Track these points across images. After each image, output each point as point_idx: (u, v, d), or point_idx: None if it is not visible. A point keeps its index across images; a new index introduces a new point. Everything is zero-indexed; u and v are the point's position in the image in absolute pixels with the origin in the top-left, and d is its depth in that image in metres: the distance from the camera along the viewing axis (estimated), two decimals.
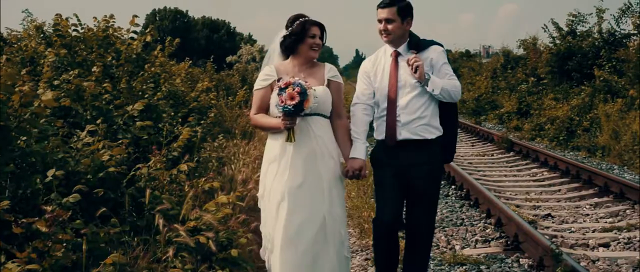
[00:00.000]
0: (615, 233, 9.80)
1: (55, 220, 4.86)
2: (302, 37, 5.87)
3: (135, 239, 5.96)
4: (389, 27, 6.07)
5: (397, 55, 6.21)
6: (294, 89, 5.46)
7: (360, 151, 6.05)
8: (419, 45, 6.21)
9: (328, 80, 6.02)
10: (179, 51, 16.91)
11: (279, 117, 5.69)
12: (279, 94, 5.52)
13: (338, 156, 6.03)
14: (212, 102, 16.47)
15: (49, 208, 4.96)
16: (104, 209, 5.72)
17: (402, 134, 6.08)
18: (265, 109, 5.97)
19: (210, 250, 5.93)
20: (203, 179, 7.05)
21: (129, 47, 10.66)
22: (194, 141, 9.03)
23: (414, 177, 6.13)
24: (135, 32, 11.35)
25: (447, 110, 6.28)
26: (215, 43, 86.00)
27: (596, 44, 24.99)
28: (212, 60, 27.12)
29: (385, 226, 6.19)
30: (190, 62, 22.73)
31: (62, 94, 7.89)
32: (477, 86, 36.38)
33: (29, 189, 5.69)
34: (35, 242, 4.73)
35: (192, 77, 20.06)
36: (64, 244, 4.87)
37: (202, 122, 11.21)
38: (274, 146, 5.92)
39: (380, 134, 6.23)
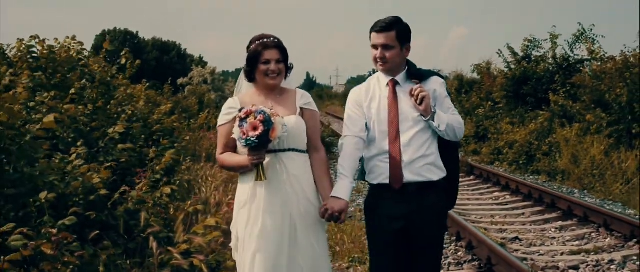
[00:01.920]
0: (584, 256, 9.96)
1: (61, 243, 4.88)
2: (254, 64, 5.14)
3: (128, 261, 5.96)
4: (387, 54, 5.29)
5: (395, 84, 5.42)
6: (255, 118, 4.73)
7: (344, 190, 5.19)
8: (420, 74, 5.47)
9: (300, 108, 5.27)
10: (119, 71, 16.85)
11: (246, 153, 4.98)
12: (240, 126, 4.80)
13: (317, 199, 5.22)
14: (175, 124, 16.46)
15: (54, 231, 4.98)
16: (98, 231, 5.72)
17: (406, 175, 5.25)
18: (232, 146, 5.17)
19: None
20: (189, 203, 7.07)
21: (105, 69, 10.66)
22: (173, 164, 9.04)
23: (417, 226, 5.31)
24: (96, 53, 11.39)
25: (447, 149, 5.48)
26: (166, 65, 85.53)
27: (551, 69, 25.38)
28: (169, 82, 27.07)
29: None
30: (147, 84, 22.70)
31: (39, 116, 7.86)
32: None
33: (22, 212, 5.67)
34: (44, 264, 4.75)
35: (151, 100, 20.03)
36: (71, 267, 4.89)
37: (176, 145, 11.20)
38: (243, 189, 5.17)
39: (377, 177, 5.36)
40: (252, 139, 4.73)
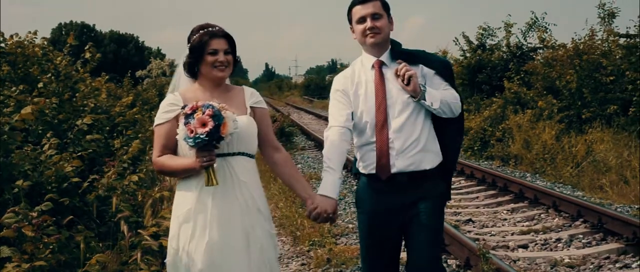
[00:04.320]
0: (533, 235, 10.45)
1: (41, 225, 5.19)
2: (200, 54, 4.57)
3: (100, 244, 6.29)
4: (378, 24, 4.90)
5: (380, 65, 4.99)
6: (203, 113, 4.19)
7: (332, 186, 4.77)
8: (405, 53, 5.04)
9: (250, 107, 4.74)
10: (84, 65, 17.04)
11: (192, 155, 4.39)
12: (186, 123, 4.23)
13: (267, 210, 4.72)
14: (137, 116, 16.67)
15: (34, 214, 5.28)
16: (72, 216, 6.04)
17: (397, 165, 4.85)
18: (172, 148, 4.56)
19: None
20: (156, 189, 7.41)
21: (70, 63, 10.93)
22: (139, 154, 9.37)
23: (411, 220, 4.93)
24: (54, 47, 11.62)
25: (446, 128, 5.05)
26: (124, 57, 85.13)
27: (505, 57, 25.83)
28: (129, 75, 27.18)
29: None
30: (107, 77, 22.84)
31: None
32: None
33: None
34: (26, 244, 5.05)
35: (111, 93, 20.19)
36: (51, 247, 5.21)
37: (140, 135, 11.50)
38: (185, 198, 4.53)
39: (366, 167, 4.99)
40: (201, 136, 4.18)
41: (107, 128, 10.92)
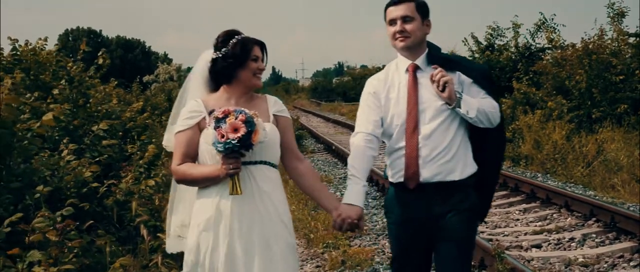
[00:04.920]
0: (546, 235, 10.47)
1: (64, 230, 5.24)
2: (243, 60, 4.40)
3: (119, 248, 6.34)
4: (407, 27, 4.67)
5: (415, 69, 4.76)
6: (236, 118, 4.05)
7: (357, 195, 4.58)
8: (442, 58, 4.84)
9: (274, 116, 4.57)
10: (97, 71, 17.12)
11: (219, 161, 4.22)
12: (216, 128, 4.08)
13: (289, 220, 4.52)
14: (147, 121, 16.74)
15: (58, 219, 5.33)
16: (92, 221, 6.08)
17: (423, 174, 4.62)
18: (192, 156, 4.41)
19: None
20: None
21: (83, 70, 11.01)
22: (153, 159, 9.43)
23: (440, 232, 4.69)
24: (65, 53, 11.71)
25: (486, 141, 4.81)
26: (131, 62, 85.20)
27: (513, 57, 25.83)
28: (138, 80, 27.29)
29: None
30: (116, 82, 22.94)
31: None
32: None
33: (20, 205, 6.03)
34: (51, 248, 5.10)
35: (122, 98, 20.28)
36: (75, 251, 5.26)
37: (154, 141, 11.56)
38: (205, 206, 4.35)
39: (394, 175, 4.78)
40: (232, 141, 4.03)
41: (120, 133, 11.00)
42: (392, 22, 4.72)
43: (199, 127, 4.37)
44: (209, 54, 4.52)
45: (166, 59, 68.91)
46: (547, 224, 11.25)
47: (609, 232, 10.30)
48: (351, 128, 40.06)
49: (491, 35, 26.83)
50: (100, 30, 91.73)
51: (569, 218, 11.50)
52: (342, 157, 20.76)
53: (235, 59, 4.39)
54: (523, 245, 9.97)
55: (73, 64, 11.52)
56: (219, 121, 4.08)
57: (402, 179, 4.71)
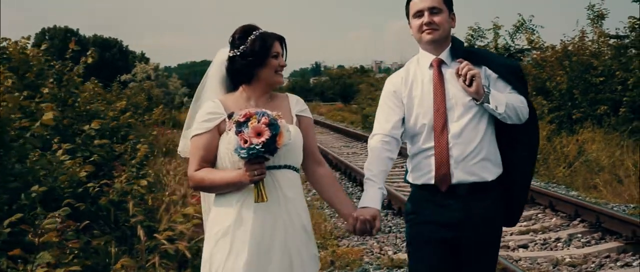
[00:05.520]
0: (532, 235, 10.55)
1: (64, 231, 5.23)
2: (263, 57, 4.12)
3: (115, 249, 6.32)
4: (436, 19, 4.41)
5: (440, 63, 4.49)
6: (259, 121, 3.78)
7: (374, 198, 4.32)
8: (467, 51, 4.58)
9: (296, 116, 4.30)
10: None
11: (239, 167, 3.98)
12: (238, 132, 3.81)
13: (311, 229, 4.27)
14: (130, 120, 16.69)
15: (59, 219, 5.31)
16: (88, 221, 6.07)
17: (456, 175, 4.36)
18: (211, 161, 4.13)
19: (185, 257, 6.33)
20: (166, 193, 7.45)
21: (73, 69, 10.98)
22: (144, 159, 9.43)
23: (469, 237, 4.43)
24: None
25: (516, 139, 4.53)
26: (108, 62, 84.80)
27: None
28: (119, 80, 27.22)
29: None
30: (96, 81, 22.85)
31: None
32: (379, 101, 37.17)
33: (15, 205, 6.00)
34: (52, 250, 5.08)
35: (104, 98, 20.23)
36: (75, 252, 5.25)
37: (142, 140, 11.55)
38: (224, 215, 4.06)
39: (421, 177, 4.48)
40: (256, 147, 3.76)
41: (108, 133, 10.97)
42: (418, 14, 4.46)
43: (219, 130, 4.08)
44: (225, 52, 4.26)
45: (143, 58, 68.71)
46: (533, 224, 11.33)
47: (595, 232, 10.39)
48: (330, 128, 40.41)
49: (472, 36, 26.89)
50: (77, 29, 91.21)
51: (554, 218, 11.59)
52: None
53: (255, 56, 4.13)
54: (510, 245, 10.03)
55: (61, 63, 11.46)
56: (240, 125, 3.81)
57: (431, 181, 4.42)
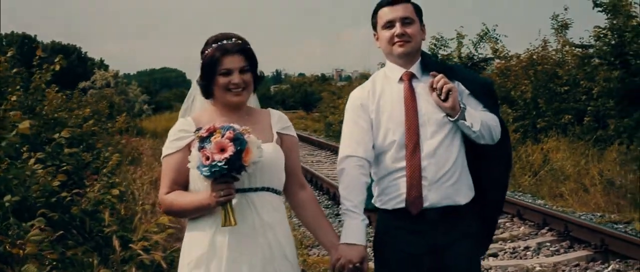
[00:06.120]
0: (501, 244, 10.59)
1: (42, 241, 5.14)
2: (210, 75, 3.79)
3: (96, 260, 6.23)
4: (409, 30, 4.08)
5: (411, 77, 4.15)
6: (223, 136, 3.42)
7: (357, 232, 3.93)
8: (439, 65, 4.29)
9: (277, 133, 3.94)
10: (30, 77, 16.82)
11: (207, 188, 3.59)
12: (201, 148, 3.46)
13: (295, 258, 3.89)
14: (94, 128, 16.52)
15: (36, 229, 5.22)
16: (62, 231, 5.98)
17: (429, 197, 3.98)
18: (183, 183, 3.79)
19: (161, 267, 6.25)
20: (140, 202, 7.38)
21: (42, 76, 10.85)
22: (114, 167, 9.33)
23: (445, 265, 4.06)
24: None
25: (488, 160, 4.18)
26: (67, 69, 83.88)
27: None
28: (81, 88, 26.96)
29: None
30: (57, 88, 22.64)
31: None
32: (341, 109, 37.23)
33: None
34: (31, 261, 4.99)
35: (67, 106, 20.03)
36: (53, 263, 5.16)
37: (110, 148, 11.45)
38: (197, 241, 3.71)
39: (390, 201, 4.10)
40: (219, 164, 3.40)
41: (76, 141, 10.85)
42: (388, 25, 4.10)
43: (190, 149, 3.68)
44: None
45: (102, 65, 68.20)
46: (501, 233, 11.37)
47: (563, 240, 10.48)
48: None
49: (435, 45, 27.01)
50: (35, 36, 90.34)
51: (522, 227, 11.66)
52: None
53: (203, 72, 3.82)
54: None
55: (26, 70, 11.34)
56: (203, 141, 3.46)
57: (402, 205, 4.04)
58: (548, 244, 10.41)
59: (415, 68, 4.15)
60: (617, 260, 9.27)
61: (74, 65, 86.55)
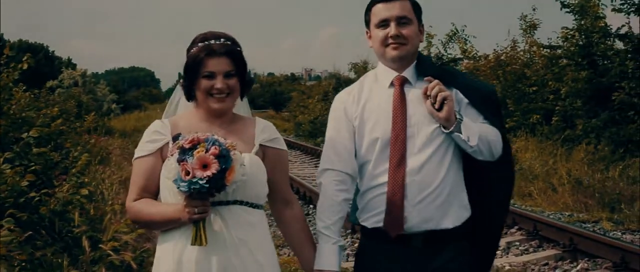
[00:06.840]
0: None
1: (11, 242, 5.09)
2: (192, 76, 3.47)
3: (66, 261, 6.18)
4: (405, 31, 3.64)
5: (403, 82, 3.70)
6: (207, 151, 3.08)
7: (329, 257, 3.61)
8: (437, 69, 3.84)
9: (260, 145, 3.57)
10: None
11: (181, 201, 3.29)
12: (181, 160, 3.11)
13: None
14: (62, 128, 16.36)
15: (5, 230, 5.17)
16: (31, 232, 5.92)
17: (410, 220, 3.55)
18: (153, 190, 3.48)
19: (131, 267, 6.21)
20: (110, 202, 7.34)
21: (9, 75, 10.70)
22: (83, 167, 9.24)
23: None
24: None
25: (487, 177, 3.73)
26: (33, 67, 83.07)
27: None
28: (49, 87, 26.73)
29: None
30: (24, 87, 22.40)
31: None
32: (311, 109, 37.24)
33: None
34: (1, 262, 4.95)
35: (34, 104, 19.83)
36: (23, 264, 5.11)
37: (79, 148, 11.34)
38: (166, 256, 3.41)
39: (370, 218, 3.70)
40: (200, 182, 3.07)
41: (44, 141, 10.73)
42: (382, 23, 3.68)
43: (162, 155, 3.46)
44: None
45: (70, 64, 67.68)
46: None
47: (532, 240, 10.56)
48: None
49: None
50: (2, 34, 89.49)
51: None
52: None
53: (186, 73, 3.50)
54: None
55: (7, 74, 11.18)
56: (184, 153, 3.12)
57: (381, 224, 3.65)
58: (517, 243, 10.49)
59: (409, 72, 3.72)
60: (586, 259, 9.37)
61: (41, 64, 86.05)
